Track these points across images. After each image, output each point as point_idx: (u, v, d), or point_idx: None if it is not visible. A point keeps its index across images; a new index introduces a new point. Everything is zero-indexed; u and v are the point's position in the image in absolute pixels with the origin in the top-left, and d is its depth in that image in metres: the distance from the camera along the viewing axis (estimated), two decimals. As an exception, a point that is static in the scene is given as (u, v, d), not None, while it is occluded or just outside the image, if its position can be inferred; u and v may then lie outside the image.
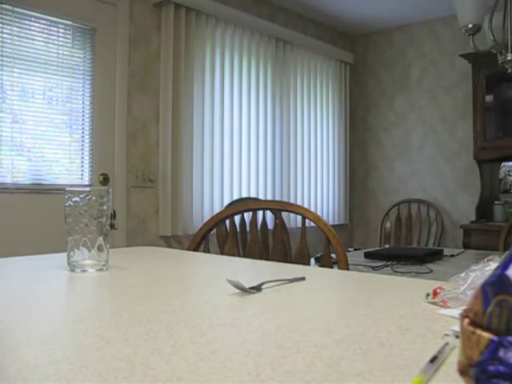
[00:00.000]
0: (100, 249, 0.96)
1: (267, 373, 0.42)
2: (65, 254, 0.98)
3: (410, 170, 4.62)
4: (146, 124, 3.26)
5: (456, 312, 0.60)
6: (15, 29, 2.66)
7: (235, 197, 3.59)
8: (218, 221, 1.62)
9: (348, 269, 1.35)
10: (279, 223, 1.52)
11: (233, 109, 3.67)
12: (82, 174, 2.97)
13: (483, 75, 3.87)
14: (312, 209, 4.33)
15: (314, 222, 1.47)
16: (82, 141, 2.97)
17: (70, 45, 2.89)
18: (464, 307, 0.36)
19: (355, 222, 5.00)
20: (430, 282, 0.83)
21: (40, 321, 0.60)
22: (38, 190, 2.75)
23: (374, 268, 1.95)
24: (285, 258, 1.49)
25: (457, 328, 0.49)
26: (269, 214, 1.58)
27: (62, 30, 2.86)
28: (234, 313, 0.66)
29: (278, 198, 4.01)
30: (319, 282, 0.93)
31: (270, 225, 1.58)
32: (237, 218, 1.63)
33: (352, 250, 2.93)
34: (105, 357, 0.46)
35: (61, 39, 2.85)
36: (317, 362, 0.45)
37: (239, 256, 1.53)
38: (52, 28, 2.81)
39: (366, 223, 4.93)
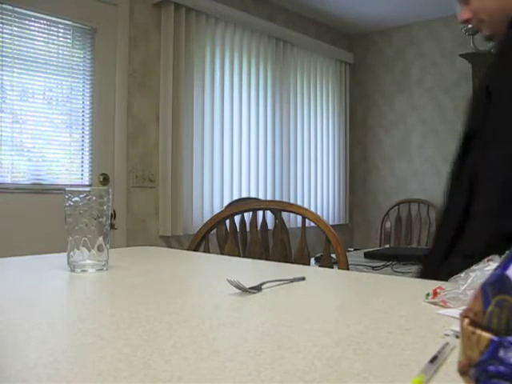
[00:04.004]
0: (100, 249, 0.96)
1: (267, 373, 0.42)
2: (65, 254, 0.98)
3: (410, 170, 4.62)
4: (146, 124, 3.26)
5: (456, 312, 0.60)
6: (15, 29, 2.66)
7: (235, 197, 3.59)
8: (218, 221, 1.62)
9: (348, 269, 1.35)
10: (279, 223, 1.52)
11: (233, 109, 3.67)
12: (82, 174, 2.97)
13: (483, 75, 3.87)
14: (312, 209, 4.33)
15: (314, 222, 1.47)
16: (82, 141, 2.97)
17: (70, 45, 2.89)
18: (464, 307, 0.36)
19: (355, 222, 5.00)
20: (430, 282, 0.83)
21: (40, 321, 0.60)
22: (38, 189, 2.75)
23: (373, 268, 1.95)
24: (285, 258, 1.48)
25: (457, 328, 0.49)
26: (269, 214, 1.58)
27: (62, 30, 2.86)
28: (234, 313, 0.66)
29: (278, 198, 4.01)
30: (319, 281, 0.93)
31: (270, 225, 1.58)
32: (237, 218, 1.63)
33: (352, 250, 2.93)
34: (105, 357, 0.46)
35: (61, 39, 2.85)
36: (317, 362, 0.45)
37: (239, 256, 1.53)
38: (52, 28, 2.81)
39: (366, 223, 4.93)
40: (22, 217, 2.67)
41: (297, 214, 1.53)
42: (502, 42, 1.05)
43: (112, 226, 2.75)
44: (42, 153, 2.79)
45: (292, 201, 4.11)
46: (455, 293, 0.66)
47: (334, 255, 1.41)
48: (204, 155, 3.44)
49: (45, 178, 2.79)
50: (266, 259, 1.46)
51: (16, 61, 2.66)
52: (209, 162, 3.47)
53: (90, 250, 0.95)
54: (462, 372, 0.34)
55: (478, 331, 0.33)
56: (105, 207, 0.97)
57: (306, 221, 1.48)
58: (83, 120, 2.97)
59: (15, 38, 2.66)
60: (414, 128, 4.59)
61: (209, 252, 1.57)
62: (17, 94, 2.68)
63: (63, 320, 0.62)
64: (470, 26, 2.32)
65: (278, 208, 1.54)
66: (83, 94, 2.96)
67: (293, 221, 3.84)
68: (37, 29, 2.75)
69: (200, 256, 1.40)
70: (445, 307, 0.66)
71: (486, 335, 0.32)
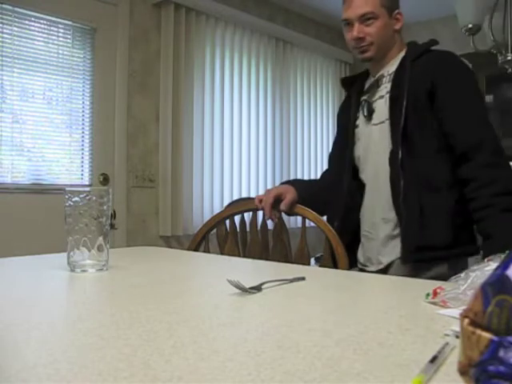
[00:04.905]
0: (100, 249, 0.96)
1: (267, 373, 0.42)
2: (65, 254, 0.98)
3: (409, 170, 4.61)
4: (146, 124, 3.25)
5: (456, 312, 0.60)
6: (15, 29, 2.66)
7: (235, 197, 3.59)
8: (218, 221, 1.62)
9: (348, 269, 1.35)
10: (279, 223, 1.52)
11: (233, 109, 3.67)
12: (81, 174, 2.97)
13: (483, 75, 3.87)
14: (312, 209, 4.32)
15: (314, 222, 1.47)
16: (82, 141, 2.97)
17: (70, 45, 2.89)
18: (464, 307, 0.36)
19: (355, 222, 4.98)
20: (430, 282, 0.83)
21: (40, 321, 0.60)
22: (38, 189, 2.75)
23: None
24: (285, 258, 1.48)
25: (457, 328, 0.49)
26: (269, 214, 1.58)
27: (62, 30, 2.85)
28: (234, 313, 0.66)
29: (278, 198, 4.01)
30: (319, 282, 0.93)
31: (270, 225, 1.58)
32: (237, 218, 1.63)
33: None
34: (105, 357, 0.46)
35: (61, 39, 2.85)
36: (317, 362, 0.45)
37: (239, 256, 1.53)
38: (52, 28, 2.81)
39: (365, 223, 4.91)
40: (22, 217, 2.67)
41: (297, 214, 1.53)
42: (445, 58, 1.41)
43: (112, 226, 2.75)
44: (42, 153, 2.79)
45: (292, 201, 4.10)
46: (455, 293, 0.66)
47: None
48: (204, 155, 3.43)
49: (45, 178, 2.79)
50: (266, 259, 1.45)
51: (16, 61, 2.66)
52: (209, 161, 3.47)
53: (90, 250, 0.95)
54: (462, 372, 0.34)
55: (478, 331, 0.33)
56: (105, 207, 0.97)
57: (306, 221, 1.48)
58: (83, 120, 2.97)
59: (15, 37, 2.66)
60: (414, 128, 4.58)
61: (209, 252, 1.57)
62: (17, 94, 2.68)
63: (63, 320, 0.62)
64: (470, 26, 2.33)
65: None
66: (83, 94, 2.96)
67: (293, 221, 3.84)
68: (37, 29, 2.75)
69: (200, 256, 1.40)
70: (445, 307, 0.66)
71: (486, 335, 0.32)
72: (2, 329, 0.56)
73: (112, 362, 0.44)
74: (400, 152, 1.35)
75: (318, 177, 1.79)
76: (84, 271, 0.95)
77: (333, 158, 1.71)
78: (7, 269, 1.05)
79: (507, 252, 0.37)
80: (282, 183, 1.64)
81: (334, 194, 1.56)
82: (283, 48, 4.13)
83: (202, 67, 3.43)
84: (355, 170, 1.54)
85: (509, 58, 2.46)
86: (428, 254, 1.31)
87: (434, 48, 1.48)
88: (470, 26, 2.41)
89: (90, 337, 0.52)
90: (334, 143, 1.71)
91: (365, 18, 1.44)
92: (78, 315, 0.63)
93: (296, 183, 1.59)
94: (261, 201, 1.52)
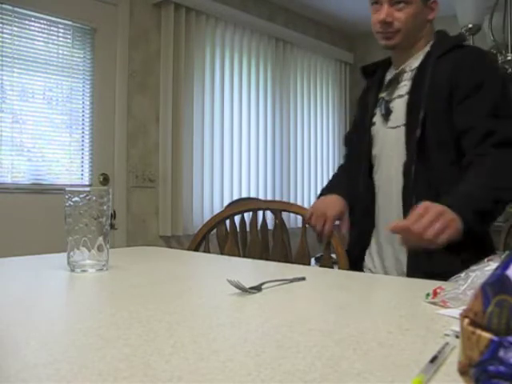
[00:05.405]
0: (100, 249, 0.96)
1: (267, 373, 0.42)
2: (65, 254, 0.98)
3: (410, 170, 4.60)
4: (146, 124, 3.25)
5: (456, 312, 0.60)
6: (15, 29, 2.66)
7: (235, 197, 3.59)
8: (218, 221, 1.62)
9: (348, 269, 1.35)
10: (279, 223, 1.52)
11: (233, 109, 3.67)
12: (81, 174, 2.97)
13: (483, 75, 3.87)
14: (312, 209, 4.32)
15: (314, 222, 1.46)
16: (82, 141, 2.97)
17: (70, 45, 2.89)
18: (464, 307, 0.36)
19: (355, 222, 4.98)
20: (430, 282, 0.83)
21: (40, 321, 0.60)
22: (38, 190, 2.75)
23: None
24: (285, 258, 1.48)
25: (457, 328, 0.49)
26: (269, 214, 1.58)
27: (62, 30, 2.85)
28: (234, 313, 0.66)
29: (278, 198, 4.01)
30: (319, 281, 0.93)
31: (270, 225, 1.58)
32: (237, 218, 1.63)
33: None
34: (105, 357, 0.46)
35: (61, 39, 2.85)
36: (317, 362, 0.45)
37: (239, 256, 1.53)
38: (52, 28, 2.81)
39: (366, 223, 4.91)
40: (22, 217, 2.67)
41: (297, 214, 1.53)
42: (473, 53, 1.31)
43: (112, 226, 2.75)
44: (42, 153, 2.78)
45: (292, 201, 4.11)
46: (455, 293, 0.66)
47: (334, 255, 1.41)
48: (204, 155, 3.44)
49: (45, 178, 2.79)
50: (266, 259, 1.45)
51: (16, 61, 2.66)
52: (209, 162, 3.47)
53: (90, 250, 0.95)
54: (462, 372, 0.34)
55: (478, 331, 0.33)
56: (105, 207, 0.97)
57: (306, 221, 1.48)
58: (83, 120, 2.97)
59: (15, 38, 2.66)
60: (414, 128, 4.57)
61: (209, 252, 1.57)
62: (17, 94, 2.67)
63: (63, 320, 0.62)
64: (470, 26, 2.33)
65: (279, 208, 1.54)
66: (83, 94, 2.96)
67: (293, 221, 3.84)
68: (37, 29, 2.75)
69: (200, 256, 1.40)
70: (445, 307, 0.66)
71: (486, 335, 0.32)
72: (1, 329, 0.56)
73: (112, 362, 0.44)
74: (414, 165, 1.27)
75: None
76: (84, 271, 0.95)
77: (351, 141, 1.59)
78: (7, 269, 1.05)
79: (507, 252, 0.37)
80: (323, 193, 1.50)
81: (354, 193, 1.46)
82: (283, 48, 4.13)
83: (202, 67, 3.43)
84: (370, 168, 1.44)
85: (509, 57, 2.46)
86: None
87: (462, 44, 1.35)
88: (470, 25, 2.42)
89: (90, 337, 0.52)
90: (354, 125, 1.59)
91: (396, 1, 1.32)
92: (78, 315, 0.63)
93: (342, 192, 1.46)
94: (312, 217, 1.40)
